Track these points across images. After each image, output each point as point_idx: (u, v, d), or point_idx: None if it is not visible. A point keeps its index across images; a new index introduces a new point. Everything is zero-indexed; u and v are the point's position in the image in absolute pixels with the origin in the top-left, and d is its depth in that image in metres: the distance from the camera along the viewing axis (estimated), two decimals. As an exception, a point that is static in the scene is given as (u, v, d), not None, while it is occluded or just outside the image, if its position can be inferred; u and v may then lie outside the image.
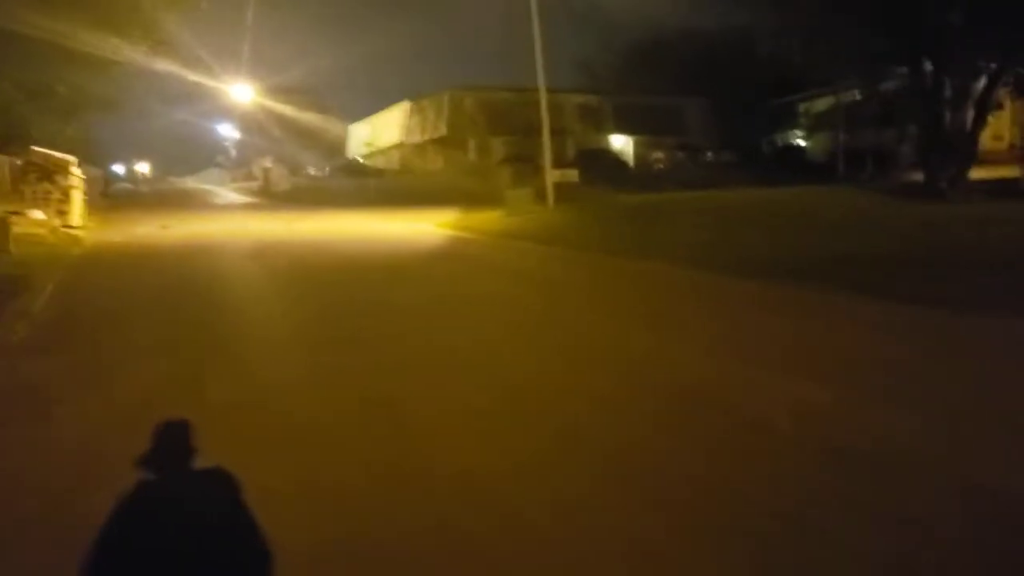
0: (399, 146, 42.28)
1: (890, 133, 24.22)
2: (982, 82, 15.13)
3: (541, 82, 19.69)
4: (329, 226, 18.55)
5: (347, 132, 52.93)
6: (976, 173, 15.52)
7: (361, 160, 44.94)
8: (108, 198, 32.06)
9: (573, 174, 21.26)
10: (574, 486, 2.99)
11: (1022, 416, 3.64)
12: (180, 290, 8.81)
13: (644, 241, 11.48)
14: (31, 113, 20.02)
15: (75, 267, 10.87)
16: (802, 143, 35.37)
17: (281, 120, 50.96)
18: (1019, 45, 14.28)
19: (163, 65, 21.98)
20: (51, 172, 16.81)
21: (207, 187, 57.16)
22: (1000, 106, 17.17)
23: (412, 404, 4.13)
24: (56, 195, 16.73)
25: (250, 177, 53.23)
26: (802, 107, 34.89)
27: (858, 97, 25.99)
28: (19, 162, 17.46)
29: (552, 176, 19.65)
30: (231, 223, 20.38)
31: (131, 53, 19.58)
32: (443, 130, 36.94)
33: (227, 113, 58.82)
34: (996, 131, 20.74)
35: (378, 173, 35.68)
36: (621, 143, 38.63)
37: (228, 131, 66.23)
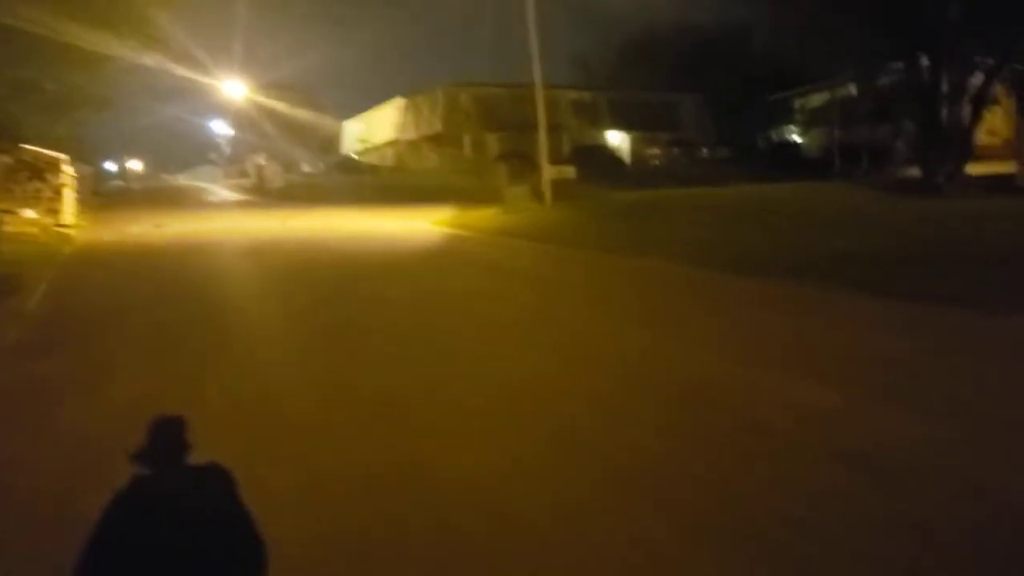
0: (393, 143, 42.12)
1: (885, 129, 24.25)
2: (979, 78, 15.14)
3: (538, 78, 19.60)
4: (324, 224, 18.46)
5: (341, 129, 52.71)
6: (972, 169, 15.54)
7: (355, 157, 44.75)
8: (100, 196, 31.90)
9: (570, 171, 21.16)
10: (573, 487, 2.96)
11: (1024, 415, 3.61)
12: (175, 289, 8.75)
13: (641, 238, 11.45)
14: (20, 110, 19.81)
15: (68, 266, 10.79)
16: (797, 139, 35.40)
17: (274, 117, 50.71)
18: (1017, 40, 14.29)
19: (155, 61, 21.76)
20: (42, 170, 16.70)
21: (200, 184, 56.92)
22: (996, 101, 17.18)
23: (412, 403, 4.11)
24: (47, 193, 16.63)
25: (243, 174, 52.97)
26: (797, 103, 34.90)
27: (853, 93, 26.01)
28: (9, 160, 17.29)
29: (549, 173, 19.56)
30: (225, 221, 20.28)
31: (122, 49, 19.38)
32: (438, 126, 36.81)
33: (220, 110, 58.61)
34: (991, 126, 20.76)
35: (372, 170, 35.55)
36: (617, 139, 38.57)
37: (221, 128, 65.91)
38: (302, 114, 50.35)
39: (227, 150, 70.13)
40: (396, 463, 3.25)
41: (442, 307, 7.25)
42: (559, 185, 19.56)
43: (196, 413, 3.90)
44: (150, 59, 21.12)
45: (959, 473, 2.95)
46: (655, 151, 36.39)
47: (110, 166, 61.44)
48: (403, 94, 40.52)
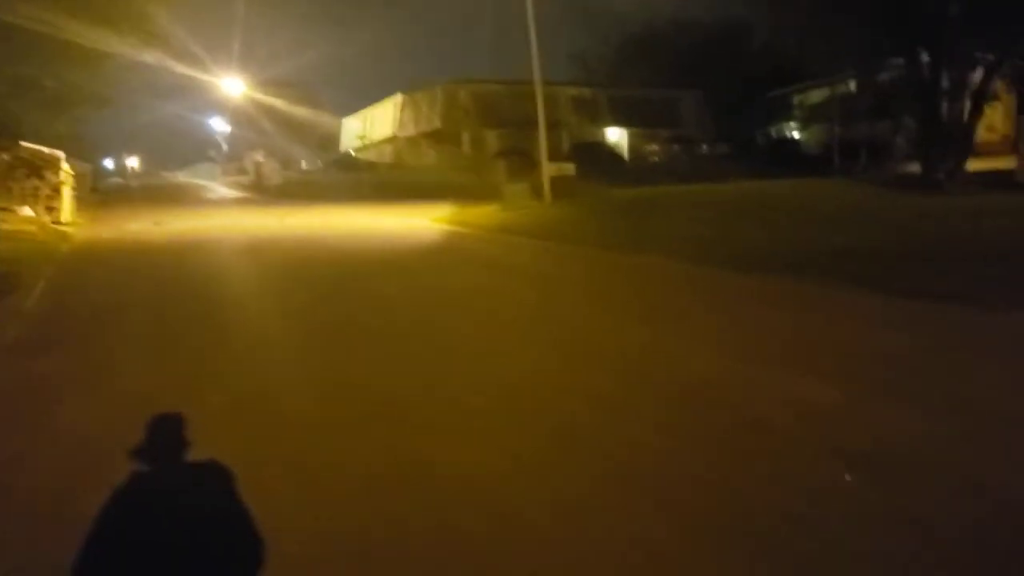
0: (392, 140, 42.03)
1: (884, 125, 24.21)
2: (979, 73, 15.11)
3: (537, 75, 19.54)
4: (322, 221, 18.44)
5: (340, 126, 52.61)
6: (970, 165, 15.52)
7: (354, 154, 44.69)
8: (98, 193, 31.85)
9: (569, 168, 21.11)
10: (573, 485, 2.96)
11: (1024, 411, 3.61)
12: (174, 287, 8.74)
13: (641, 235, 11.43)
14: (20, 108, 19.78)
15: (66, 264, 10.77)
16: (796, 135, 35.35)
17: (273, 114, 50.64)
18: (1017, 38, 14.26)
19: (154, 59, 21.73)
20: (40, 168, 16.68)
21: (198, 181, 56.87)
22: (996, 97, 17.16)
23: (411, 400, 4.10)
24: (45, 191, 16.61)
25: (241, 171, 52.87)
26: (796, 99, 34.83)
27: (853, 89, 25.96)
28: (7, 158, 17.26)
29: (548, 170, 19.53)
30: (223, 218, 20.25)
31: (122, 46, 19.33)
32: (436, 123, 36.73)
33: (218, 107, 58.55)
34: (989, 122, 20.74)
35: (371, 167, 35.48)
36: (616, 136, 38.51)
37: (219, 125, 65.82)
38: (300, 111, 50.28)
39: (225, 147, 70.03)
40: (395, 461, 3.24)
41: (441, 304, 7.24)
42: (558, 182, 19.52)
43: (195, 411, 3.90)
44: (150, 56, 21.11)
45: (959, 470, 2.94)
46: (654, 148, 36.33)
47: (109, 163, 61.35)
48: (402, 91, 40.44)
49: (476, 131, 35.64)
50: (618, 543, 2.49)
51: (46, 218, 15.84)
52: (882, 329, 5.46)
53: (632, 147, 37.66)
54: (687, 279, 8.30)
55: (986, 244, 8.23)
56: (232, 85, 42.98)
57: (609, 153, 34.28)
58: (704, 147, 34.98)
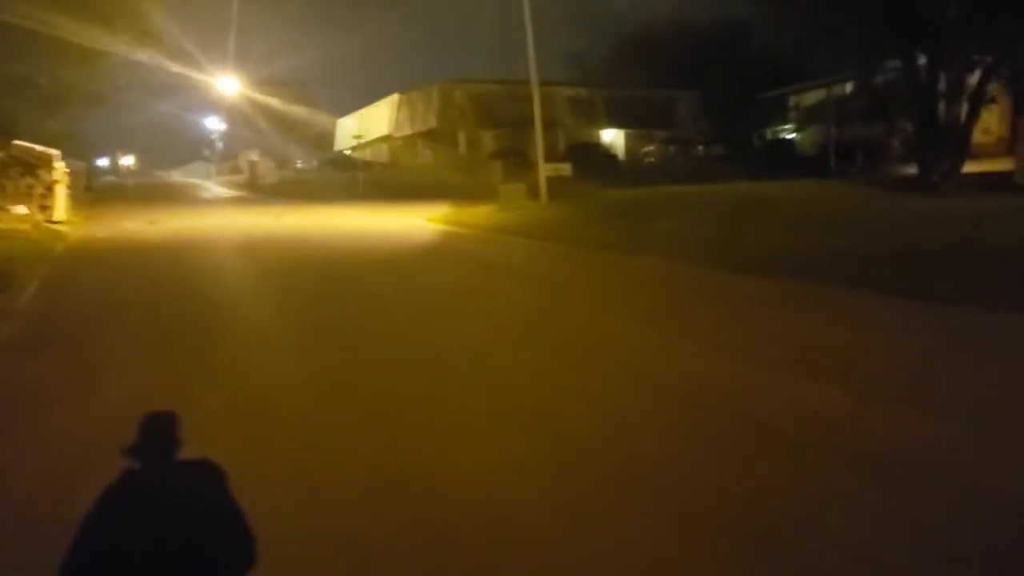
0: (387, 139, 42.01)
1: (879, 126, 24.28)
2: (976, 75, 15.14)
3: (533, 75, 19.52)
4: (318, 220, 18.39)
5: (335, 125, 52.53)
6: (967, 167, 15.55)
7: (349, 153, 44.62)
8: (92, 192, 31.67)
9: (566, 168, 21.05)
10: (573, 486, 2.93)
11: (1026, 413, 3.59)
12: (169, 286, 8.69)
13: (639, 237, 11.40)
14: (14, 106, 19.67)
15: (60, 263, 10.70)
16: (792, 137, 35.44)
17: (268, 113, 50.52)
18: (1015, 40, 14.29)
19: (149, 57, 21.64)
20: (34, 166, 16.58)
21: (193, 180, 56.71)
22: (993, 100, 17.20)
23: (408, 401, 4.07)
24: (39, 190, 16.50)
25: (236, 170, 52.81)
26: (792, 100, 34.92)
27: (848, 91, 26.03)
28: (1, 156, 17.16)
29: (544, 170, 19.50)
30: (218, 217, 20.18)
31: (117, 45, 19.24)
32: (432, 123, 36.71)
33: (213, 106, 58.33)
34: (985, 124, 20.81)
35: (366, 166, 35.44)
36: (612, 136, 38.55)
37: (214, 124, 65.61)
38: (296, 110, 50.18)
39: (220, 146, 69.89)
40: (393, 462, 3.21)
41: (437, 304, 7.20)
42: (554, 182, 19.49)
43: (191, 411, 3.87)
44: (144, 55, 21.02)
45: (961, 472, 2.92)
46: (650, 148, 36.40)
47: (102, 162, 61.08)
48: (398, 90, 40.41)
49: (472, 131, 35.64)
50: (618, 544, 2.47)
51: (40, 217, 15.74)
52: (883, 331, 5.44)
53: (628, 148, 37.73)
54: (686, 280, 8.28)
55: (986, 246, 8.22)
56: (227, 84, 42.78)
57: (605, 154, 34.31)
58: (700, 148, 35.05)
